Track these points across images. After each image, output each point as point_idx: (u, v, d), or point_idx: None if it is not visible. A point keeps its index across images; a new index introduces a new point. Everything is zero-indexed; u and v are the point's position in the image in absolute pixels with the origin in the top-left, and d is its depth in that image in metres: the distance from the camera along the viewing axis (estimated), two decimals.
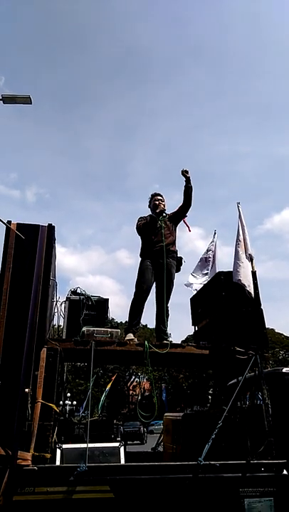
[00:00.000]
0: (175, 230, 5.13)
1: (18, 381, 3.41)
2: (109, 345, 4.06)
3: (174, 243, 5.03)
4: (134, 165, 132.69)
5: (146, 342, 4.14)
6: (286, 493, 3.40)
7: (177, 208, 5.17)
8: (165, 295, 4.70)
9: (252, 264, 4.62)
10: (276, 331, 40.80)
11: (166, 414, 5.76)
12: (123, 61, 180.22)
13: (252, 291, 4.40)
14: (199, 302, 5.47)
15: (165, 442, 5.29)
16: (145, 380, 37.24)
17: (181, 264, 5.04)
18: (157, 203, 5.13)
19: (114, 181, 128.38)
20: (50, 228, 4.15)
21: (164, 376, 37.89)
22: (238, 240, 4.71)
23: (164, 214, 5.05)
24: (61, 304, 4.59)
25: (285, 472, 3.49)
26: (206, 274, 6.07)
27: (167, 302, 4.77)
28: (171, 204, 5.25)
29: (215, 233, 6.59)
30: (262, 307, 4.46)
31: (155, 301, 4.83)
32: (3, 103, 8.93)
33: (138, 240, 5.09)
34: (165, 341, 4.35)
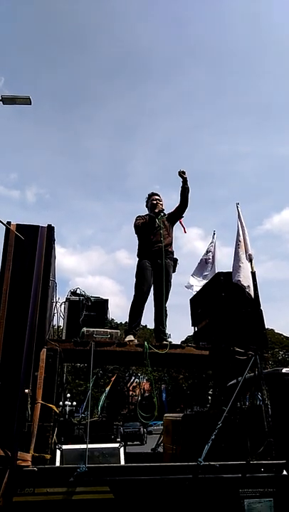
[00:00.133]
0: (172, 230, 5.14)
1: (18, 382, 3.41)
2: (109, 345, 4.06)
3: (171, 244, 5.03)
4: (134, 165, 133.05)
5: (145, 343, 4.14)
6: (286, 493, 3.40)
7: (174, 209, 5.17)
8: (164, 296, 4.71)
9: (251, 264, 4.63)
10: (276, 331, 40.79)
11: (166, 414, 5.75)
12: (123, 61, 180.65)
13: (252, 291, 4.40)
14: (199, 303, 5.47)
15: (165, 443, 5.28)
16: (145, 381, 37.24)
17: (176, 265, 5.04)
18: (155, 202, 5.13)
19: (114, 181, 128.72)
20: (50, 229, 4.16)
21: (163, 377, 37.84)
22: (237, 240, 4.71)
23: (163, 213, 5.05)
24: (61, 305, 4.60)
25: (284, 473, 3.48)
26: (206, 276, 6.07)
27: (165, 303, 4.78)
28: (170, 204, 5.26)
29: (214, 234, 6.61)
30: (261, 308, 4.48)
31: (153, 302, 4.83)
32: (3, 104, 8.95)
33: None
34: (165, 342, 4.35)
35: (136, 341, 4.34)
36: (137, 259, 4.94)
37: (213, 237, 6.55)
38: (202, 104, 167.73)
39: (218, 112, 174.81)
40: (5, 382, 3.45)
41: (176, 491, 3.29)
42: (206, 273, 6.14)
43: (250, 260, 4.63)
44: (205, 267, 6.22)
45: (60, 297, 4.67)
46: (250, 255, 4.64)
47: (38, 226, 4.13)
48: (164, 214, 5.06)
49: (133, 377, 41.63)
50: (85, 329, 4.13)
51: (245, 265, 4.50)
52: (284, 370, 4.24)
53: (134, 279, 4.83)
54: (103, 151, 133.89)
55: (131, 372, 40.16)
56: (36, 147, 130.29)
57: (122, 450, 3.70)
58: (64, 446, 3.58)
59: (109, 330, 4.22)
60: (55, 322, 4.69)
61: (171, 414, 5.70)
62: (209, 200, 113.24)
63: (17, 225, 4.07)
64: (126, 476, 3.30)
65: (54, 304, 4.57)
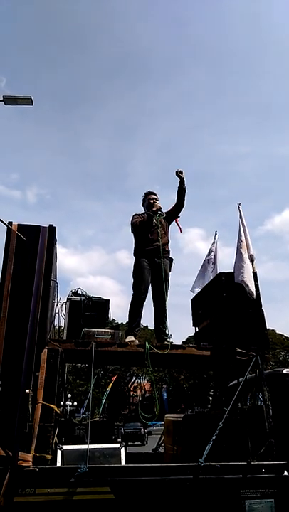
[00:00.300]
0: (168, 230, 5.13)
1: (19, 382, 3.41)
2: (109, 346, 4.07)
3: (168, 243, 5.03)
4: (134, 165, 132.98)
5: (146, 343, 4.14)
6: (287, 494, 3.39)
7: (170, 209, 5.17)
8: (164, 295, 4.71)
9: (253, 264, 4.63)
10: (277, 332, 40.71)
11: (166, 415, 5.75)
12: (123, 61, 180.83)
13: (254, 292, 4.40)
14: (200, 303, 5.47)
15: (166, 443, 5.28)
16: (146, 381, 37.27)
17: (172, 265, 5.03)
18: (152, 201, 5.13)
19: (114, 181, 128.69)
20: (51, 229, 4.16)
21: (164, 377, 37.82)
22: (239, 240, 4.71)
23: (161, 212, 5.04)
24: (62, 305, 4.59)
25: (285, 473, 3.48)
26: (208, 276, 6.04)
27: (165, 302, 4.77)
28: (169, 204, 5.26)
29: (216, 234, 6.60)
30: (263, 308, 4.47)
31: (153, 302, 4.82)
32: (5, 104, 8.97)
33: None
34: (166, 342, 4.35)
35: (137, 342, 4.34)
36: (134, 258, 4.92)
37: (214, 238, 6.55)
38: (202, 104, 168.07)
39: (218, 112, 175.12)
40: (6, 382, 3.45)
41: (177, 491, 3.29)
42: (208, 274, 6.12)
43: (252, 261, 4.63)
44: (208, 268, 6.19)
45: (62, 297, 4.68)
46: (251, 256, 4.64)
47: (40, 226, 4.13)
48: (162, 213, 5.06)
49: (134, 378, 41.62)
50: (86, 329, 4.13)
51: (247, 265, 4.50)
52: (285, 371, 4.24)
53: (132, 279, 4.82)
54: (103, 151, 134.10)
55: (132, 373, 40.14)
56: (36, 147, 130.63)
57: (122, 450, 3.69)
58: (65, 447, 3.57)
59: (110, 330, 4.22)
60: (56, 322, 4.69)
61: (172, 415, 5.69)
62: (209, 200, 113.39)
63: (18, 225, 4.08)
64: (127, 477, 3.30)
65: (55, 304, 4.57)
